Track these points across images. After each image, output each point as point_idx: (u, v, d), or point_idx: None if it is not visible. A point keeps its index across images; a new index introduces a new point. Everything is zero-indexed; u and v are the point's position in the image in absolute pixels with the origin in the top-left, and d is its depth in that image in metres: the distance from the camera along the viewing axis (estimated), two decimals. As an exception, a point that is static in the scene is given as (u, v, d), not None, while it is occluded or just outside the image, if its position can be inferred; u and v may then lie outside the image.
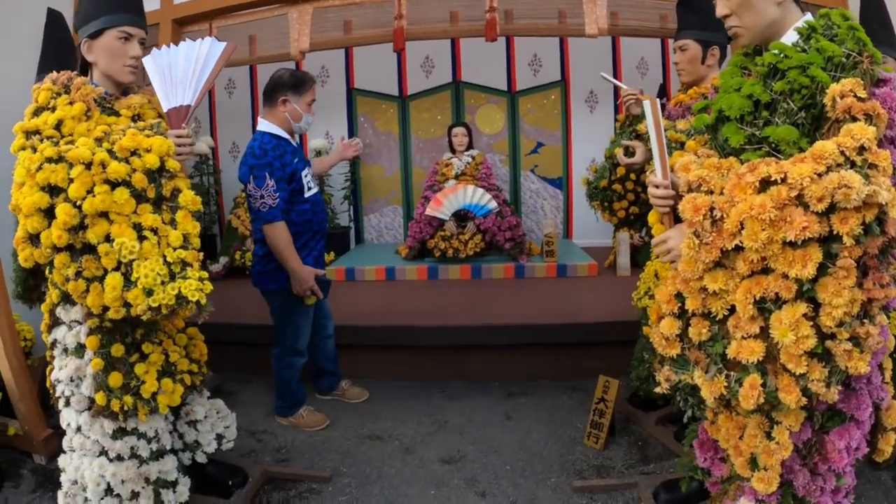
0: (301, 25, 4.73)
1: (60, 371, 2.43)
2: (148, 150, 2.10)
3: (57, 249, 2.10)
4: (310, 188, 3.37)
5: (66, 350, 2.43)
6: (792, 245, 1.51)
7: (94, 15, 2.39)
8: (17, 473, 3.22)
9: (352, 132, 6.90)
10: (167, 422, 2.63)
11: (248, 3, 4.86)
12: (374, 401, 3.94)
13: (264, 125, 3.27)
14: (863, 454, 1.97)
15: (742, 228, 1.54)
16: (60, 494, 2.51)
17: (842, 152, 1.49)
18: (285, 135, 3.29)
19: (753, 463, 1.87)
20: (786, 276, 1.54)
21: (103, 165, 2.04)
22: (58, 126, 2.23)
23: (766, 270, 1.59)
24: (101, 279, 2.09)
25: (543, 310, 4.41)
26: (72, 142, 2.13)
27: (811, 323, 1.55)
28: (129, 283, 2.06)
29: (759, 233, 1.50)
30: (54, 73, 2.40)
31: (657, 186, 1.82)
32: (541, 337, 4.08)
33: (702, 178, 1.66)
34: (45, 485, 3.09)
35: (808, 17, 1.84)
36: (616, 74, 6.59)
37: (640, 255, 5.40)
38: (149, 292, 2.03)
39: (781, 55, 1.73)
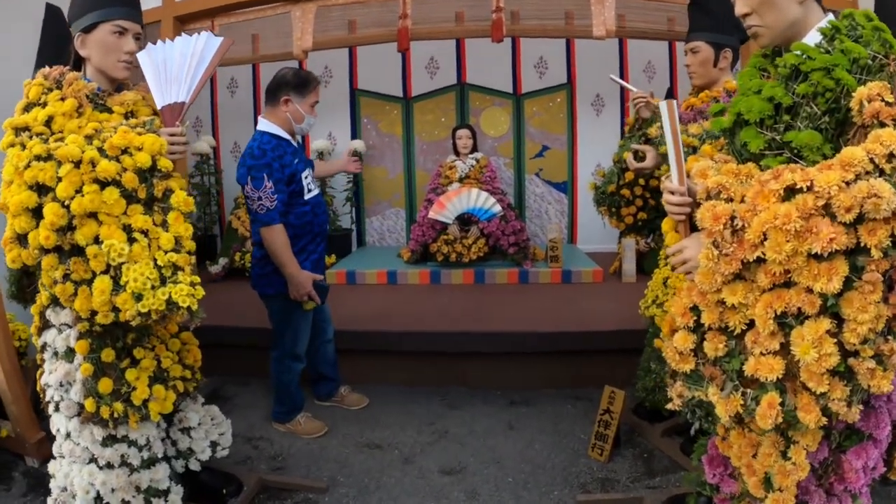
0: (304, 24, 4.65)
1: (50, 375, 2.36)
2: (139, 149, 2.03)
3: (44, 251, 2.03)
4: (310, 190, 3.29)
5: (56, 354, 2.37)
6: (817, 257, 1.42)
7: (88, 8, 2.32)
8: (8, 476, 3.17)
9: (355, 133, 6.82)
10: (159, 429, 2.57)
11: (251, 0, 4.79)
12: (374, 407, 3.87)
13: (264, 125, 3.19)
14: (879, 473, 1.89)
15: (765, 239, 1.45)
16: (50, 501, 2.46)
17: (871, 160, 1.40)
18: (286, 135, 3.21)
19: (767, 483, 1.78)
20: (809, 291, 1.45)
21: (93, 164, 1.97)
22: (48, 122, 2.16)
23: (787, 283, 1.50)
24: (90, 282, 2.02)
25: (547, 316, 4.32)
26: (62, 139, 2.06)
27: (834, 340, 1.47)
28: (118, 287, 1.99)
29: (784, 244, 1.41)
30: (46, 68, 2.33)
31: (673, 193, 1.73)
32: (544, 345, 4.00)
33: (721, 184, 1.57)
34: (37, 488, 3.04)
35: (831, 17, 1.76)
36: (623, 78, 6.46)
37: (645, 261, 5.33)
38: (138, 297, 1.96)
39: (804, 56, 1.64)
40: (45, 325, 2.40)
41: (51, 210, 1.95)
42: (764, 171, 1.65)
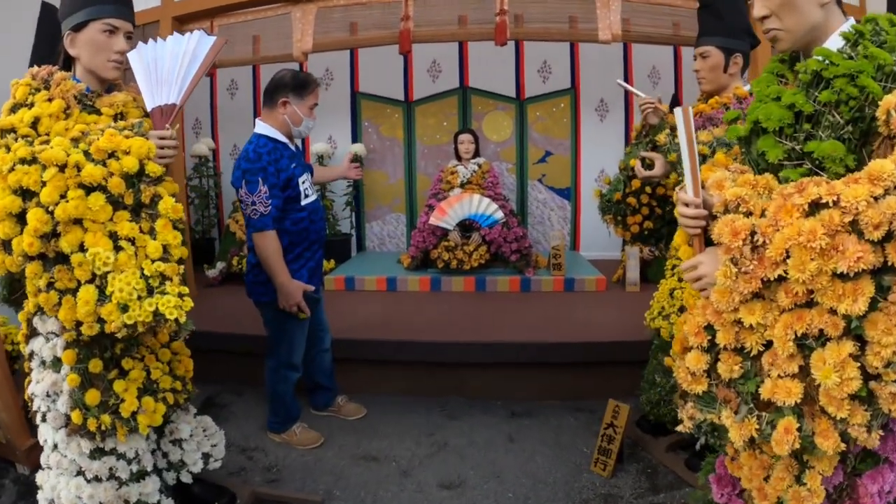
0: (304, 25, 4.60)
1: (37, 385, 2.30)
2: (126, 153, 1.94)
3: (29, 258, 1.96)
4: (307, 195, 3.20)
5: (43, 363, 2.30)
6: (841, 277, 1.33)
7: (79, 6, 2.24)
8: (-2, 482, 3.10)
9: (355, 137, 6.74)
10: (149, 441, 2.50)
11: (251, 0, 4.73)
12: (371, 418, 3.79)
13: (261, 127, 3.10)
14: (895, 497, 1.80)
15: (787, 257, 1.36)
16: (37, 512, 2.39)
17: (901, 173, 1.31)
18: (283, 138, 3.12)
19: (780, 506, 1.70)
20: (833, 312, 1.36)
21: (78, 168, 1.89)
22: (34, 124, 2.09)
23: (808, 303, 1.41)
24: (75, 292, 1.94)
25: (549, 326, 4.24)
26: (48, 141, 1.98)
27: (857, 364, 1.38)
28: (103, 297, 1.91)
29: (808, 263, 1.32)
30: (34, 68, 2.26)
31: (687, 205, 1.63)
32: (546, 356, 3.93)
33: (740, 197, 1.48)
34: (27, 496, 2.98)
35: (852, 21, 1.67)
36: (627, 81, 6.39)
37: (649, 269, 5.26)
38: (124, 308, 1.88)
39: (827, 62, 1.55)
40: (32, 333, 2.34)
41: (35, 216, 1.87)
42: (783, 182, 1.56)
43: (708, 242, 1.64)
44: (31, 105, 2.12)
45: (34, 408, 2.34)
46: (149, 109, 2.17)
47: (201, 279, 5.65)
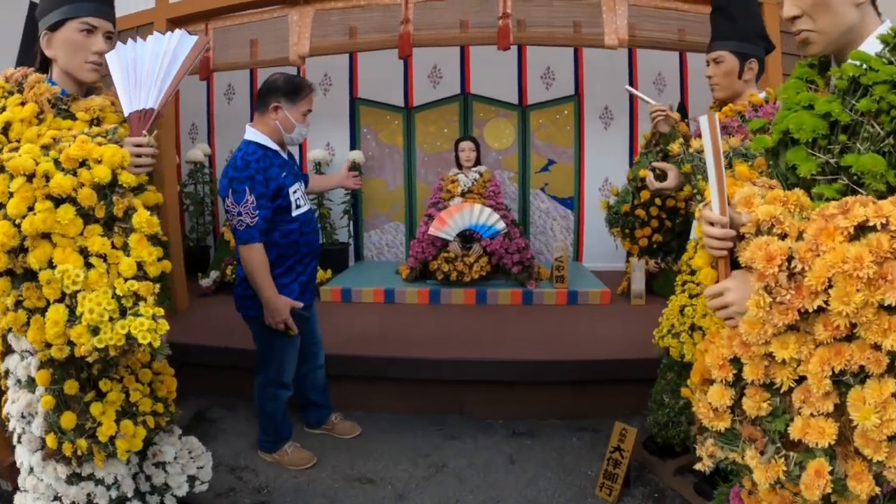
0: (301, 28, 4.47)
1: (12, 405, 2.18)
2: (98, 161, 1.79)
3: (-4, 273, 1.81)
4: (298, 206, 3.04)
5: (18, 382, 2.17)
6: (888, 309, 1.18)
7: (56, 4, 2.11)
8: (-20, 499, 2.99)
9: (354, 144, 6.60)
10: (130, 465, 2.36)
11: (246, 3, 4.61)
12: (367, 437, 3.65)
13: (251, 134, 2.96)
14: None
15: (829, 286, 1.21)
16: (15, 537, 2.27)
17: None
18: (274, 145, 2.97)
19: (802, 547, 1.55)
20: (877, 347, 1.21)
21: (47, 178, 1.74)
22: (5, 129, 1.95)
23: (847, 336, 1.26)
24: (44, 311, 1.81)
25: (552, 341, 4.11)
26: (18, 148, 1.83)
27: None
28: (74, 317, 1.77)
29: (854, 294, 1.17)
30: (8, 70, 2.12)
31: (712, 224, 1.48)
32: (549, 374, 3.79)
33: (775, 217, 1.33)
34: (8, 514, 2.86)
35: (888, 23, 1.52)
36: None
37: (655, 281, 5.12)
38: (94, 330, 1.74)
39: (865, 67, 1.40)
40: (7, 350, 2.19)
41: (1, 229, 1.73)
42: (816, 199, 1.42)
43: (734, 265, 1.49)
44: (3, 109, 1.99)
45: (10, 428, 2.22)
46: (126, 114, 2.02)
47: (195, 288, 5.51)
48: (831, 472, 1.34)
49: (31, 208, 1.74)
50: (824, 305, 1.23)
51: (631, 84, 6.32)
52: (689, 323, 2.84)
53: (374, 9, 4.35)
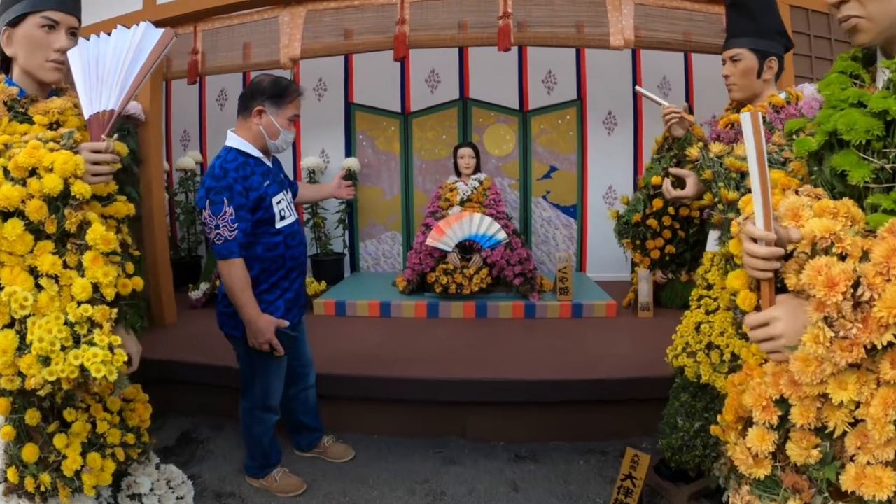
0: (292, 30, 4.28)
1: None
2: (50, 170, 1.58)
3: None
4: (283, 217, 2.82)
5: (-21, 409, 1.97)
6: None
7: None
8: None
9: (349, 150, 6.40)
10: (102, 498, 2.19)
11: (236, 3, 4.42)
12: (361, 461, 3.44)
13: (233, 139, 2.74)
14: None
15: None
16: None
17: None
18: (256, 152, 2.75)
19: None
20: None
21: (-8, 189, 1.54)
22: (-43, 135, 1.74)
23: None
24: (-6, 336, 1.60)
25: (557, 359, 3.89)
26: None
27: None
28: (24, 345, 1.57)
29: (933, 326, 0.97)
30: (-35, 72, 1.93)
31: (755, 240, 1.27)
32: (554, 395, 3.58)
33: (834, 234, 1.12)
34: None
35: None
36: (636, 94, 6.12)
37: (662, 293, 4.92)
38: (45, 360, 1.53)
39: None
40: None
41: (-55, 246, 1.53)
42: (869, 210, 1.22)
43: (779, 288, 1.28)
44: (-47, 113, 1.80)
45: (-29, 458, 2.03)
46: (86, 117, 1.82)
47: (185, 301, 5.33)
48: (886, 525, 1.15)
49: (-25, 223, 1.54)
50: (895, 340, 1.02)
51: (634, 88, 6.15)
52: (706, 341, 2.65)
53: (368, 9, 4.16)
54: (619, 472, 2.86)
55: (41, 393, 1.59)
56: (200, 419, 3.94)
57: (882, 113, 1.23)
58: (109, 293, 1.63)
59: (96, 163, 1.73)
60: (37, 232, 1.60)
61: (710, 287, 2.74)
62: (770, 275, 1.26)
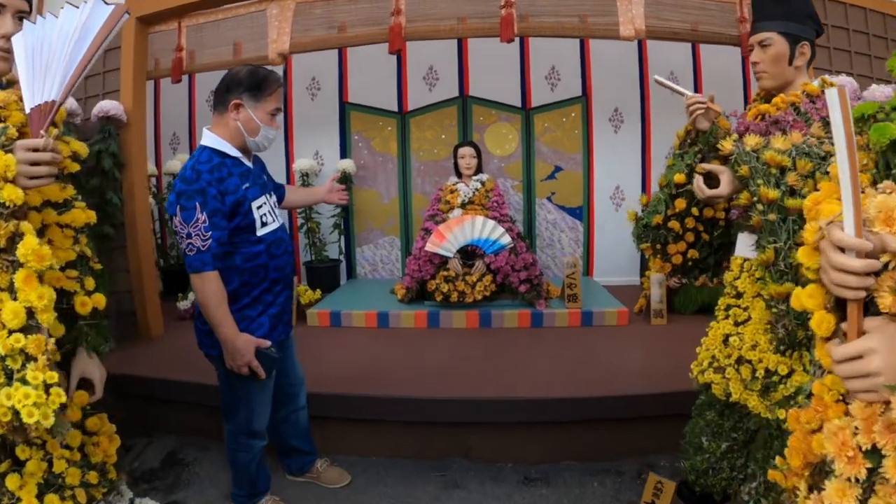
0: (281, 23, 4.05)
1: None
2: (-28, 172, 1.33)
3: None
4: (265, 223, 2.54)
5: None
6: None
7: None
8: None
9: (344, 152, 6.19)
10: None
11: (222, -3, 4.21)
12: (358, 486, 3.21)
13: (208, 138, 2.46)
14: None
15: None
16: None
17: None
18: (234, 152, 2.47)
19: None
20: None
21: None
22: None
23: None
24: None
25: (567, 373, 3.65)
26: None
27: None
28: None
29: None
30: None
31: (843, 250, 1.01)
32: (565, 414, 3.35)
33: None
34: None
35: None
36: (643, 89, 5.93)
37: (676, 298, 4.68)
38: (-32, 400, 1.27)
39: None
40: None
41: None
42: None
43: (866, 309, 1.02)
44: None
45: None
46: (27, 110, 1.56)
47: (173, 311, 5.12)
48: None
49: None
50: None
51: (641, 82, 6.00)
52: (735, 355, 2.40)
53: (361, 0, 3.93)
54: (636, 494, 2.69)
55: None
56: (187, 439, 3.71)
57: None
58: (46, 319, 1.35)
59: (34, 163, 1.47)
60: (-41, 246, 1.34)
61: (739, 296, 2.49)
62: (863, 294, 1.00)
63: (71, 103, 4.14)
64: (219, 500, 3.09)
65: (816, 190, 1.98)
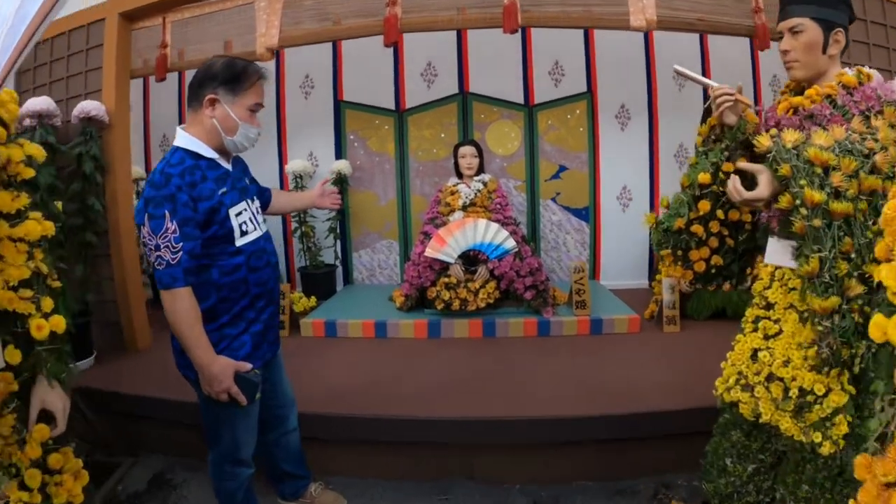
0: (270, 16, 3.88)
1: None
2: None
3: None
4: (245, 232, 2.29)
5: None
6: None
7: None
8: None
9: (339, 152, 6.01)
10: None
11: (206, -11, 4.02)
12: (354, 512, 3.02)
13: (182, 138, 2.21)
14: None
15: None
16: None
17: None
18: (210, 153, 2.23)
19: None
20: None
21: None
22: None
23: None
24: None
25: (578, 387, 3.46)
26: None
27: None
28: None
29: None
30: None
31: None
32: (577, 433, 3.16)
33: None
34: None
35: None
36: (651, 84, 5.76)
37: (689, 303, 4.47)
38: None
39: None
40: None
41: None
42: None
43: None
44: None
45: None
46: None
47: (162, 321, 4.89)
48: None
49: None
50: None
51: (648, 78, 5.84)
52: (766, 372, 2.19)
53: (354, -10, 3.75)
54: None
55: None
56: (175, 459, 3.54)
57: None
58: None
59: None
60: None
61: (769, 307, 2.28)
62: None
63: (48, 104, 3.94)
64: (206, 525, 2.89)
65: (862, 193, 1.76)
